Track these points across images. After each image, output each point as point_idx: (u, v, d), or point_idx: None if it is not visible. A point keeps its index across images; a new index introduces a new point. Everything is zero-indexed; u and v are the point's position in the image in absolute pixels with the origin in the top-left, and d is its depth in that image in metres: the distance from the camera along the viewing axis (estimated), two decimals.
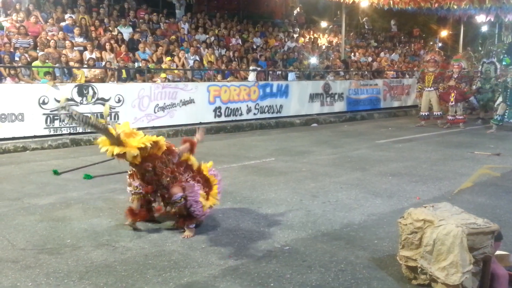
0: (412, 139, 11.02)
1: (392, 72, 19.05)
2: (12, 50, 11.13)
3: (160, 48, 13.59)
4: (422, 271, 3.42)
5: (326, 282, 3.53)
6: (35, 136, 9.80)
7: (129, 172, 4.72)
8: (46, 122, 9.94)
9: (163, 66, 12.99)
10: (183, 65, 13.41)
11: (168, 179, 4.46)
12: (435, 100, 13.69)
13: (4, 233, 4.53)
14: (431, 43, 28.32)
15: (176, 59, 13.47)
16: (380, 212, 5.26)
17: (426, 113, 13.88)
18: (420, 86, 14.51)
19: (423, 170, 7.43)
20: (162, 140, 4.50)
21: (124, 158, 4.30)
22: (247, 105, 13.47)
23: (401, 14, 22.92)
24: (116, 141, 4.16)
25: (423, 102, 13.95)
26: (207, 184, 4.87)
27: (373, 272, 3.70)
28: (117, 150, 4.17)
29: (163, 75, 12.48)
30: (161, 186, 4.52)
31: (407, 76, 19.15)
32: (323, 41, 21.32)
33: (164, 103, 11.70)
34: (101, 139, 4.29)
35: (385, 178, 6.90)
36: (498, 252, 3.53)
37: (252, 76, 14.02)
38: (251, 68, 14.48)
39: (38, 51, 11.35)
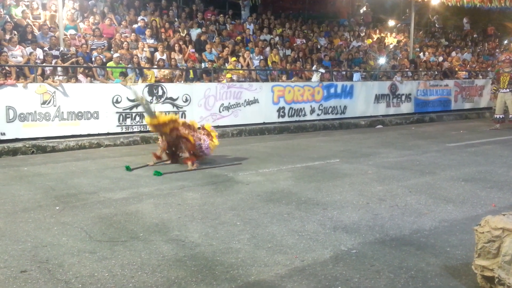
0: (486, 142, 10.48)
1: (464, 72, 18.21)
2: (88, 51, 11.78)
3: (226, 48, 13.82)
4: (500, 281, 3.25)
5: None
6: (108, 133, 10.31)
7: (159, 139, 7.99)
8: (119, 120, 10.43)
9: (229, 66, 13.21)
10: (248, 65, 13.56)
11: (183, 141, 7.63)
12: (510, 102, 12.98)
13: (82, 225, 4.81)
14: (506, 41, 26.75)
15: (241, 59, 13.65)
16: (452, 218, 5.05)
17: (501, 116, 13.18)
18: (495, 87, 13.84)
19: (498, 176, 7.04)
20: (178, 117, 8.08)
21: (159, 129, 7.58)
22: (311, 106, 13.41)
23: (474, 12, 21.86)
24: (155, 117, 7.59)
25: (498, 104, 13.27)
26: (209, 135, 8.05)
27: (446, 280, 3.56)
28: (155, 121, 7.55)
29: (228, 75, 12.69)
30: (179, 145, 7.74)
31: (481, 76, 18.23)
32: (390, 40, 20.76)
33: (229, 103, 11.91)
34: (147, 117, 7.93)
35: (457, 183, 6.61)
36: None
37: (315, 77, 13.94)
38: (313, 68, 14.38)
39: (112, 52, 11.92)
